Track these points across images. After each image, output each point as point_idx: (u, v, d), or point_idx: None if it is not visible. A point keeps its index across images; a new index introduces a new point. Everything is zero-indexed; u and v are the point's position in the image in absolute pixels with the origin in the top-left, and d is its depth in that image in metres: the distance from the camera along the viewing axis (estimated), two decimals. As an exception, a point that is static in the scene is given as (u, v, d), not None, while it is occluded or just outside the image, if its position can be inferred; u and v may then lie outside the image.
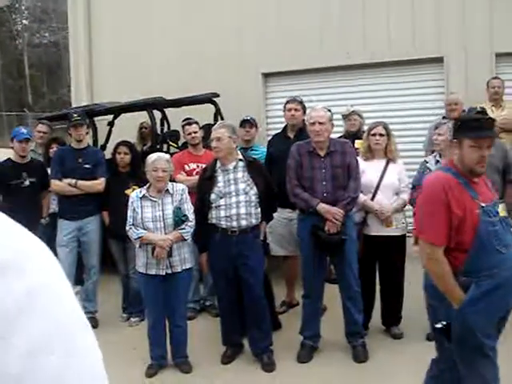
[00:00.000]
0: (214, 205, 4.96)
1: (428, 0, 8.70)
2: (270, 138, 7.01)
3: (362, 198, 5.27)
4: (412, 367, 4.89)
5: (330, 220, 4.94)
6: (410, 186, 5.42)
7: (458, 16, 8.55)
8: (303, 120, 5.93)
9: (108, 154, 6.98)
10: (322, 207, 4.96)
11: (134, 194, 5.06)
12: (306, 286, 5.26)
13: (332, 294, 5.55)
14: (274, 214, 5.73)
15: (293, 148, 5.22)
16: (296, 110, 6.06)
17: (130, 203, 4.98)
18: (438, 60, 8.68)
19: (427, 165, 5.37)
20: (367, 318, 5.47)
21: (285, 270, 6.49)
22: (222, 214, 4.94)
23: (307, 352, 5.19)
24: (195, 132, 6.42)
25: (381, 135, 5.39)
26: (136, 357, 5.29)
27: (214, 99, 8.23)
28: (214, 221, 4.99)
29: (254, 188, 4.99)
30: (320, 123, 5.01)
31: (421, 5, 8.73)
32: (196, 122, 6.53)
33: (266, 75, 9.72)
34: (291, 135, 6.07)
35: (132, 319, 6.29)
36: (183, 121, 6.64)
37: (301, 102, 6.14)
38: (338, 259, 5.16)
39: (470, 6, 8.48)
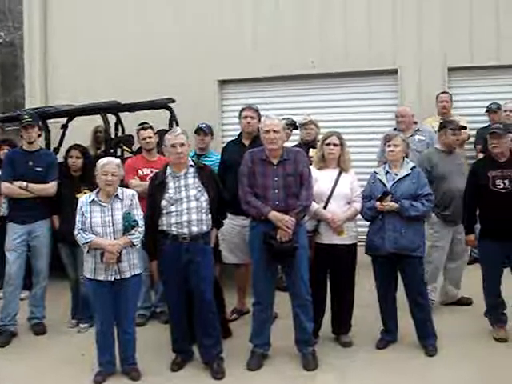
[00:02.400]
0: (164, 211, 4.93)
1: (384, 13, 8.88)
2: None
3: (314, 206, 5.29)
4: (362, 375, 4.95)
5: (281, 228, 4.95)
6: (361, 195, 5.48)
7: (412, 30, 8.77)
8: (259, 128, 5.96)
9: (61, 157, 6.87)
10: (274, 215, 4.96)
11: (84, 198, 4.99)
12: (257, 294, 5.25)
13: (283, 302, 5.55)
14: (227, 221, 5.72)
15: (246, 155, 5.22)
16: (252, 117, 6.06)
17: (78, 207, 4.91)
18: (393, 72, 8.84)
19: (377, 176, 5.42)
20: (317, 326, 5.48)
21: (237, 277, 6.47)
22: (173, 220, 4.91)
23: (257, 360, 5.19)
24: (150, 137, 6.37)
25: (335, 145, 5.43)
26: (84, 363, 5.22)
27: (170, 105, 8.19)
28: (164, 227, 4.95)
29: (205, 194, 4.98)
30: (274, 131, 5.04)
31: (377, 18, 8.91)
32: (151, 127, 6.48)
33: (222, 82, 9.75)
34: (246, 143, 6.06)
35: (81, 325, 6.20)
36: (138, 125, 6.59)
37: (256, 110, 6.14)
38: (289, 267, 5.16)
39: (425, 21, 8.71)
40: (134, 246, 4.91)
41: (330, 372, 5.06)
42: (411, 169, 5.33)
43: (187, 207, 4.91)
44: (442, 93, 8.15)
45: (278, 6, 9.35)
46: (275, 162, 5.10)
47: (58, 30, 10.68)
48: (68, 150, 6.29)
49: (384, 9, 8.88)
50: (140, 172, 6.25)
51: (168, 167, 5.08)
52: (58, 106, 8.63)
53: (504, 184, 5.27)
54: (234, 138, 6.52)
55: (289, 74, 9.25)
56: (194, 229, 4.92)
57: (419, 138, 7.20)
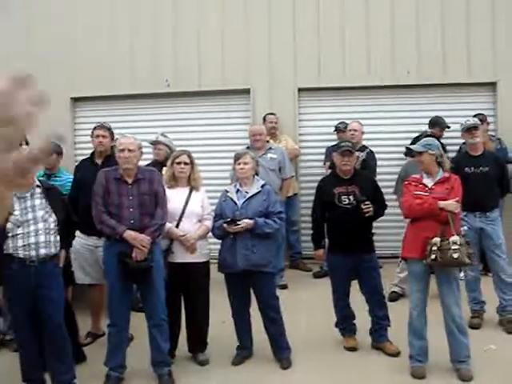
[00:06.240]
0: (10, 234, 4.73)
1: (238, 34, 9.06)
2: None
3: (167, 225, 5.29)
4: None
5: (137, 247, 4.93)
6: (213, 213, 5.54)
7: (264, 50, 8.99)
8: (111, 147, 5.89)
9: None
10: (129, 234, 4.94)
11: None
12: (112, 315, 5.16)
13: (138, 323, 5.50)
14: (80, 241, 5.61)
15: (100, 174, 5.17)
16: (104, 136, 6.01)
17: None
18: (245, 92, 9.03)
19: (228, 194, 5.49)
20: (173, 345, 5.47)
21: (90, 298, 6.31)
22: (20, 243, 4.72)
23: (112, 383, 5.09)
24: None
25: (185, 164, 5.48)
26: None
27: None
28: (10, 251, 4.74)
29: (53, 215, 4.84)
30: (129, 150, 5.03)
31: (230, 38, 9.06)
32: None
33: (75, 100, 9.53)
34: (99, 162, 5.98)
35: None
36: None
37: (109, 129, 6.10)
38: (144, 287, 5.14)
39: (276, 43, 8.96)
40: (-21, 271, 4.67)
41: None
42: (261, 186, 5.45)
43: (35, 229, 4.74)
44: (270, 114, 8.46)
45: (134, 25, 9.27)
46: (130, 180, 5.08)
47: None
48: None
49: (236, 29, 9.06)
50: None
51: (11, 188, 4.88)
52: None
53: (349, 200, 5.50)
54: (86, 157, 6.40)
55: (143, 92, 9.20)
56: (42, 251, 4.76)
57: (271, 157, 7.43)
